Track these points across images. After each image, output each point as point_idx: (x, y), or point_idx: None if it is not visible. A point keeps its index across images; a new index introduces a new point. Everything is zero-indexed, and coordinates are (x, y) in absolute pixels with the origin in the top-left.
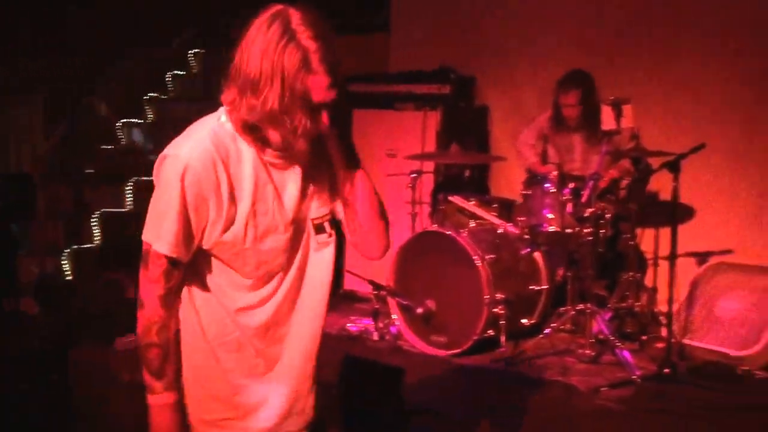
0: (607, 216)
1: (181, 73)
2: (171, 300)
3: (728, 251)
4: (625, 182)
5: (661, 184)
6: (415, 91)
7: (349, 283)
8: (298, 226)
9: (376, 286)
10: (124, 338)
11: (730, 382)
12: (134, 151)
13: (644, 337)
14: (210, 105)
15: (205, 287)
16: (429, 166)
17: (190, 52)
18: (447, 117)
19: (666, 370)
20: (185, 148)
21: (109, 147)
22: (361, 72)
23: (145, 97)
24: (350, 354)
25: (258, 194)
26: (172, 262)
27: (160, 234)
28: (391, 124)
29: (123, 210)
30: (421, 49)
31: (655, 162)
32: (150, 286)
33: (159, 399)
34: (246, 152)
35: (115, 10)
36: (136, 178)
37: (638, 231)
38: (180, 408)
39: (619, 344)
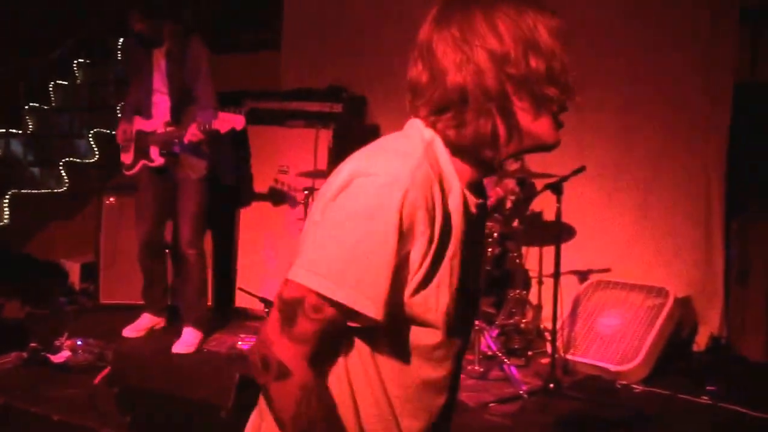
0: (495, 235)
1: (64, 83)
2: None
3: (606, 270)
4: (509, 202)
5: (544, 204)
6: (307, 108)
7: (240, 301)
8: None
9: (268, 304)
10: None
11: (611, 396)
12: (13, 164)
13: (530, 353)
14: (96, 116)
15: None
16: (321, 183)
17: (74, 61)
18: (339, 135)
19: (551, 385)
20: (399, 167)
21: None
22: (253, 89)
23: (25, 107)
24: (244, 374)
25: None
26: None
27: (359, 286)
28: (283, 141)
29: None
30: (313, 67)
31: (538, 183)
32: (294, 346)
33: None
34: (456, 186)
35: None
36: (14, 190)
37: (523, 249)
38: None
39: (506, 360)
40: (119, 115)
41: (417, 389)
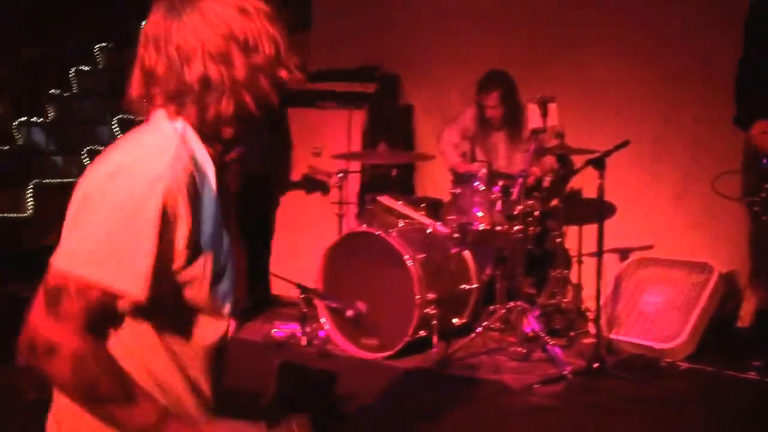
0: (535, 213)
1: (86, 68)
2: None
3: (648, 247)
4: (548, 180)
5: (584, 182)
6: (339, 89)
7: (276, 288)
8: None
9: (304, 289)
10: None
11: (656, 374)
12: (34, 152)
13: (572, 334)
14: (119, 101)
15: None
16: (355, 165)
17: (96, 46)
18: (372, 116)
19: (595, 365)
20: (158, 163)
21: (5, 147)
22: None
23: (46, 94)
24: (284, 361)
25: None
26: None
27: (121, 271)
28: (316, 123)
29: (22, 215)
30: (344, 47)
31: (578, 160)
32: (61, 325)
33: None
34: (210, 168)
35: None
36: (37, 180)
37: (564, 228)
38: None
39: (549, 341)
40: None
41: (198, 347)
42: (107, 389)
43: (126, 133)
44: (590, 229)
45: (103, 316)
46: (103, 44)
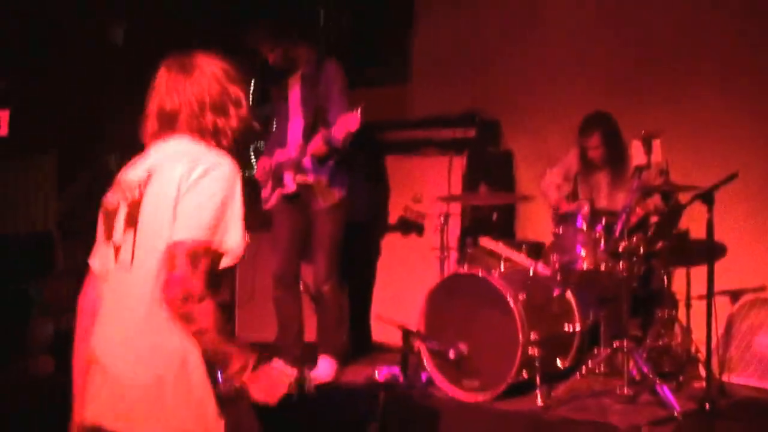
0: (640, 252)
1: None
2: None
3: (761, 288)
4: (654, 219)
5: (690, 222)
6: (439, 136)
7: (377, 334)
8: None
9: (406, 332)
10: None
11: None
12: None
13: (682, 378)
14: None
15: None
16: (456, 209)
17: None
18: (472, 161)
19: (707, 406)
20: (229, 161)
21: None
22: (383, 119)
23: None
24: (389, 393)
25: None
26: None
27: (240, 234)
28: (416, 170)
29: None
30: (443, 95)
31: (684, 198)
32: (202, 279)
33: None
34: None
35: (128, 63)
36: None
37: (670, 269)
38: None
39: (657, 382)
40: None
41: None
42: (226, 331)
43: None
44: (698, 271)
45: (213, 273)
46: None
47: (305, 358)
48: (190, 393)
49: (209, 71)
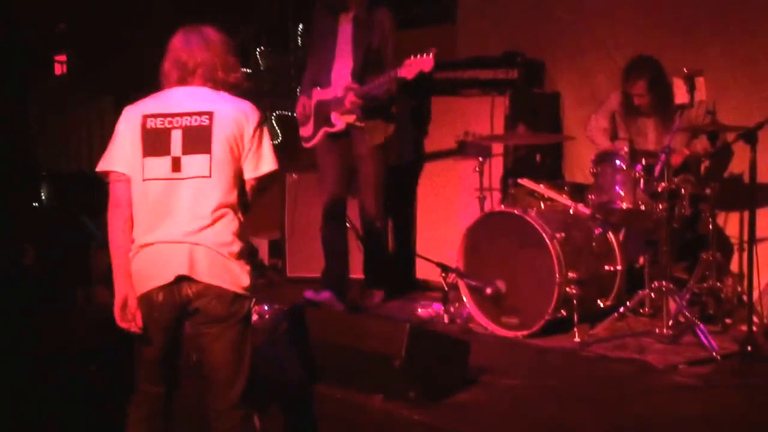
0: (683, 193)
1: (249, 70)
2: None
3: None
4: (703, 162)
5: (744, 165)
6: (482, 76)
7: (421, 272)
8: None
9: (445, 269)
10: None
11: None
12: None
13: (728, 321)
14: (278, 99)
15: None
16: (498, 150)
17: (257, 49)
18: (515, 102)
19: (748, 348)
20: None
21: None
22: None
23: None
24: (415, 325)
25: None
26: None
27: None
28: (459, 111)
29: None
30: (489, 35)
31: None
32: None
33: None
34: None
35: (178, 7)
36: None
37: (722, 214)
38: None
39: (699, 324)
40: (298, 92)
41: None
42: None
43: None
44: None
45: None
46: (263, 47)
47: (351, 291)
48: (239, 258)
49: (218, 40)
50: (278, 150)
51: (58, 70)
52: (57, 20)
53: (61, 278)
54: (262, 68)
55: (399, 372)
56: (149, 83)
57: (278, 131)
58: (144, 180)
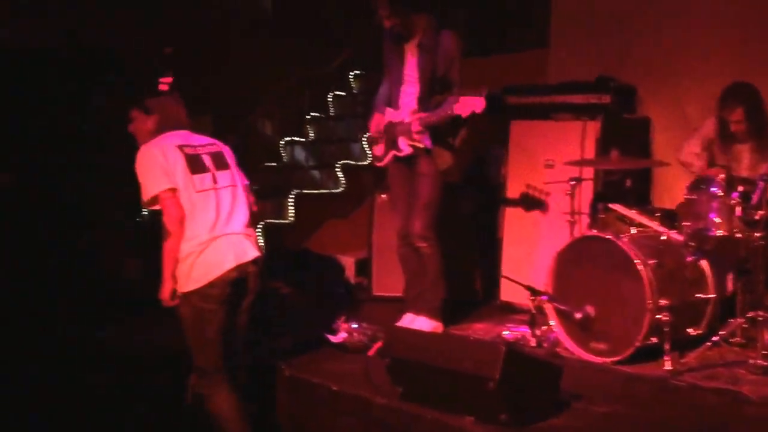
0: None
1: (342, 93)
2: None
3: None
4: None
5: None
6: (574, 101)
7: (506, 294)
8: None
9: (533, 292)
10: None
11: None
12: (296, 167)
13: None
14: (366, 123)
15: None
16: (588, 174)
17: (350, 73)
18: (607, 127)
19: None
20: None
21: (273, 164)
22: (517, 83)
23: (307, 117)
24: (511, 347)
25: None
26: None
27: None
28: (549, 135)
29: (285, 221)
30: (581, 60)
31: None
32: None
33: None
34: None
35: (275, 32)
36: (297, 191)
37: None
38: None
39: None
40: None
41: None
42: None
43: None
44: None
45: None
46: (356, 71)
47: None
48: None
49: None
50: (367, 171)
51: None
52: (162, 45)
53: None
54: (355, 92)
55: (492, 394)
56: (242, 102)
57: (368, 152)
58: (197, 192)
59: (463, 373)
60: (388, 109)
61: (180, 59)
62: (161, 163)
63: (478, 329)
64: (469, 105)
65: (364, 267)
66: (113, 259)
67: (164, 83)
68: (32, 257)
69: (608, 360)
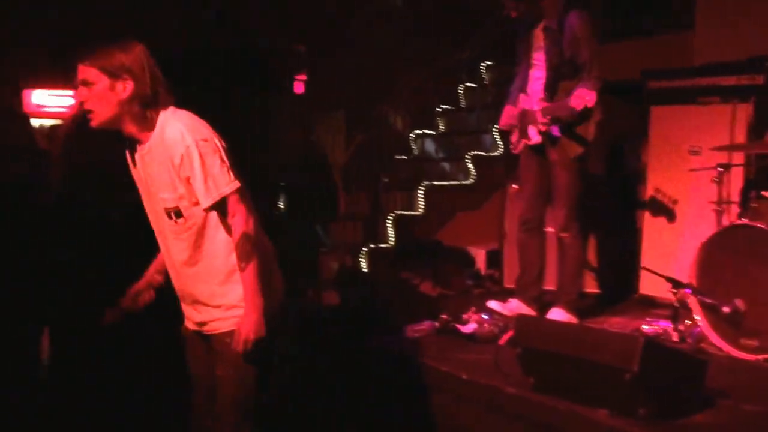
0: None
1: (473, 85)
2: None
3: None
4: None
5: None
6: (722, 83)
7: (645, 287)
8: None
9: (677, 284)
10: (414, 326)
11: None
12: (426, 160)
13: None
14: (500, 112)
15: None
16: (738, 160)
17: (481, 64)
18: (760, 109)
19: None
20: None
21: (403, 157)
22: (660, 67)
23: (437, 109)
24: (650, 338)
25: None
26: None
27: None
28: (694, 120)
29: (415, 213)
30: (730, 42)
31: None
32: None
33: None
34: None
35: (406, 27)
36: (427, 183)
37: None
38: None
39: None
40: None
41: None
42: None
43: None
44: None
45: None
46: (487, 62)
47: (542, 301)
48: None
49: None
50: (498, 162)
51: (298, 88)
52: (296, 43)
53: (294, 279)
54: (486, 83)
55: (629, 386)
56: (373, 97)
57: (499, 143)
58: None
59: (599, 364)
60: (522, 96)
61: (312, 56)
62: (221, 155)
63: (615, 323)
64: (582, 98)
65: (495, 258)
66: None
67: (299, 80)
68: None
69: (760, 357)
